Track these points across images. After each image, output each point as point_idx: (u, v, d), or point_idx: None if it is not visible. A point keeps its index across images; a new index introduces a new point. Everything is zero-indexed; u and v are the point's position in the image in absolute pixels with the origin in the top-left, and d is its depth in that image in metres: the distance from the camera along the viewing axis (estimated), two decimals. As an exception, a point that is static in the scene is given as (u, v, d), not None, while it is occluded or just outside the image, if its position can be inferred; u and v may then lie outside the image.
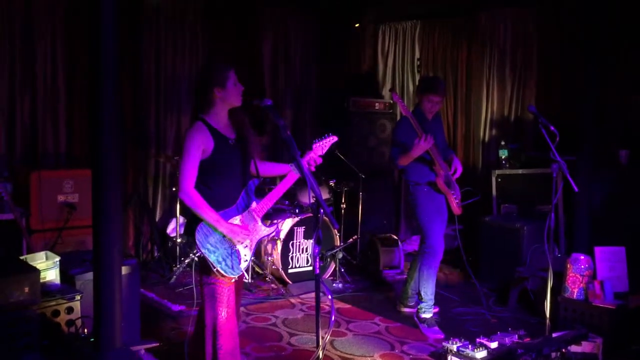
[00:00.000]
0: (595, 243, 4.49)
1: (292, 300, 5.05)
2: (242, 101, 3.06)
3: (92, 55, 2.72)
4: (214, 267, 2.90)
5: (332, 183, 5.87)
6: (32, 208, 4.88)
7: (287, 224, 5.30)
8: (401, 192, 7.18)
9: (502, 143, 6.26)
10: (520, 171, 6.03)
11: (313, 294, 2.61)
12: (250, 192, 3.07)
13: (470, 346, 3.50)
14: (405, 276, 5.01)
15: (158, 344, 3.65)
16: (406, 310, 4.81)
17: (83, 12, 5.49)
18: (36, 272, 3.11)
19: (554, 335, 3.66)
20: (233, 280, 2.98)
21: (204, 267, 2.97)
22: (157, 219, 6.18)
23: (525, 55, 6.42)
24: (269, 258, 5.30)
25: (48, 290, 3.24)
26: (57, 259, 3.39)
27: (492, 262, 5.51)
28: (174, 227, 5.73)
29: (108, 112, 2.69)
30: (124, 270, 3.52)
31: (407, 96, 7.44)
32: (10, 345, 2.90)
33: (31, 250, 4.17)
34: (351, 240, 5.86)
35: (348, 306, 4.97)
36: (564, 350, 3.52)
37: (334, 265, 5.55)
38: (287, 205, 5.69)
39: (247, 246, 3.02)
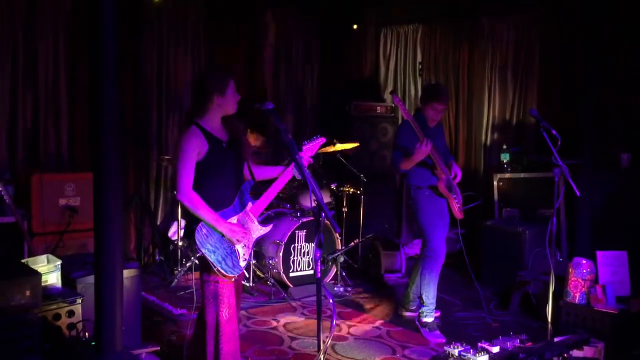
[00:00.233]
0: (597, 247, 4.48)
1: (294, 304, 5.05)
2: (236, 109, 3.12)
3: (93, 56, 2.72)
4: (215, 267, 2.95)
5: (333, 186, 5.87)
6: (33, 211, 4.88)
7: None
8: (402, 196, 7.18)
9: (504, 147, 6.26)
10: (522, 175, 6.03)
11: (314, 298, 2.61)
12: (245, 193, 3.14)
13: (471, 350, 3.48)
14: (406, 280, 5.01)
15: (159, 348, 3.64)
16: (408, 314, 4.80)
17: (84, 13, 5.50)
18: (37, 275, 3.10)
19: (555, 339, 3.64)
20: (233, 279, 3.02)
21: (205, 267, 3.02)
22: (158, 222, 6.18)
23: (527, 59, 6.42)
24: (271, 261, 5.30)
25: (49, 293, 3.23)
26: (59, 262, 3.39)
27: (493, 266, 5.50)
28: (175, 230, 5.73)
29: (109, 114, 2.69)
30: (126, 273, 3.52)
31: (408, 100, 7.44)
32: (12, 349, 2.90)
33: (32, 253, 4.16)
34: (352, 244, 5.85)
35: (349, 310, 4.96)
36: (565, 354, 3.50)
37: (336, 269, 5.54)
38: (288, 208, 5.70)
39: (245, 245, 3.08)
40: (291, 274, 5.33)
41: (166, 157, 6.00)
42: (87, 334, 3.18)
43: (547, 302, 3.81)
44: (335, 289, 5.46)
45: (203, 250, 2.93)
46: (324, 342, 2.80)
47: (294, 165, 3.13)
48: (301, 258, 5.41)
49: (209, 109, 3.03)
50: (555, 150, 3.75)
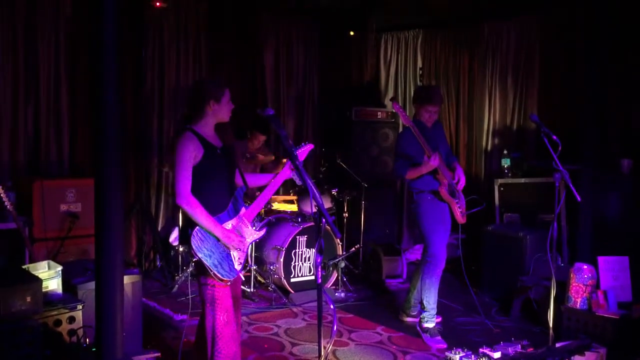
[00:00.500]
0: (598, 252, 4.48)
1: (295, 310, 5.04)
2: (230, 118, 3.19)
3: (94, 64, 2.73)
4: (211, 271, 2.99)
5: (334, 192, 5.87)
6: (34, 217, 4.88)
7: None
8: (404, 201, 7.18)
9: (505, 152, 6.26)
10: (522, 180, 6.03)
11: (315, 303, 2.61)
12: (238, 198, 3.19)
13: (473, 356, 3.48)
14: (407, 285, 5.00)
15: (160, 354, 3.63)
16: (409, 319, 4.79)
17: (86, 21, 5.51)
18: (38, 281, 3.11)
19: (557, 345, 3.64)
20: (229, 283, 3.06)
21: (201, 271, 3.06)
22: (159, 228, 6.18)
23: (527, 64, 6.44)
24: (272, 267, 5.30)
25: (50, 299, 3.24)
26: (59, 268, 3.39)
27: (494, 271, 5.49)
28: (176, 236, 5.74)
29: (110, 121, 2.69)
30: (127, 279, 3.53)
31: (409, 105, 7.46)
32: (13, 355, 2.90)
33: (33, 259, 4.17)
34: (353, 249, 5.85)
35: (350, 315, 4.96)
36: (567, 360, 3.50)
37: (337, 275, 5.54)
38: (289, 214, 5.70)
39: (240, 249, 3.12)
40: (292, 280, 5.33)
41: (166, 163, 6.02)
42: (87, 340, 3.18)
43: (548, 307, 3.80)
44: (337, 294, 5.46)
45: (199, 255, 2.97)
46: (324, 348, 2.80)
47: (294, 170, 3.17)
48: (302, 264, 5.40)
49: (204, 115, 3.09)
50: (556, 155, 3.75)
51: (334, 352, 4.15)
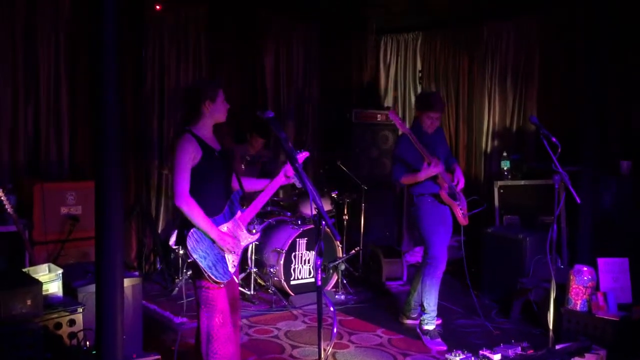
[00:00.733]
0: (598, 254, 4.48)
1: (295, 312, 5.04)
2: (226, 118, 3.20)
3: (94, 63, 2.74)
4: (206, 272, 3.01)
5: (334, 194, 5.88)
6: (35, 220, 4.88)
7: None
8: (403, 204, 7.18)
9: (504, 154, 6.26)
10: (522, 182, 6.03)
11: (315, 306, 2.61)
12: (235, 201, 3.21)
13: (473, 358, 3.49)
14: (408, 288, 5.00)
15: (160, 356, 3.63)
16: (409, 322, 4.80)
17: (86, 21, 5.52)
18: (39, 284, 3.11)
19: (557, 347, 3.64)
20: (222, 285, 3.07)
21: (196, 273, 3.09)
22: (159, 231, 6.18)
23: (527, 65, 6.44)
24: (272, 269, 5.30)
25: (50, 302, 3.24)
26: (60, 271, 3.40)
27: (494, 273, 5.49)
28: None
29: (110, 122, 2.69)
30: (127, 282, 3.53)
31: (409, 107, 7.47)
32: (14, 358, 2.90)
33: (34, 262, 4.17)
34: (353, 251, 5.86)
35: (350, 318, 4.96)
36: (567, 362, 3.51)
37: (337, 277, 5.54)
38: (289, 216, 5.70)
39: (234, 252, 3.14)
40: (292, 282, 5.33)
41: (167, 166, 6.02)
42: (88, 343, 3.18)
43: (548, 309, 3.80)
44: (337, 296, 5.46)
45: (195, 256, 3.00)
46: (324, 350, 2.81)
47: (294, 173, 3.19)
48: (302, 266, 5.41)
49: (201, 116, 3.10)
50: (555, 157, 3.76)
51: (334, 354, 4.15)
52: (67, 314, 3.22)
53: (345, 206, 6.04)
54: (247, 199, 3.37)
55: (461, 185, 4.53)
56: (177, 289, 5.41)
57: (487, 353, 3.55)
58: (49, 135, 5.46)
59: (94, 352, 2.97)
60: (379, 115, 7.02)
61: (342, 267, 5.50)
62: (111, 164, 2.70)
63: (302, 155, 3.33)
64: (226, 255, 3.10)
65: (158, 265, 6.00)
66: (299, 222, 5.49)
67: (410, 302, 4.75)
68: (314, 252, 5.36)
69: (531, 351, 3.57)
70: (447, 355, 3.67)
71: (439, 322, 4.67)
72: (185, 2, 6.24)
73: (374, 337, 4.55)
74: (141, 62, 5.96)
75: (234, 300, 3.25)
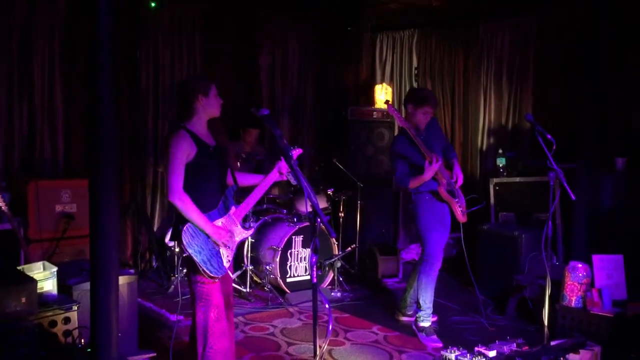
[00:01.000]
0: (593, 251, 4.50)
1: (291, 310, 5.04)
2: (220, 113, 3.21)
3: (89, 62, 2.72)
4: (200, 267, 3.02)
5: (330, 192, 5.88)
6: (29, 218, 4.87)
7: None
8: (399, 201, 7.19)
9: (500, 151, 6.28)
10: (517, 179, 6.04)
11: (311, 303, 2.61)
12: (229, 197, 3.22)
13: (468, 355, 3.49)
14: (403, 285, 5.00)
15: (155, 354, 3.63)
16: (405, 319, 4.80)
17: (81, 20, 5.50)
18: (33, 282, 3.10)
19: (552, 343, 3.65)
20: (217, 280, 3.09)
21: (191, 268, 3.10)
22: (155, 229, 6.17)
23: (522, 64, 6.45)
24: (268, 267, 5.30)
25: (45, 300, 3.23)
26: (55, 269, 3.38)
27: (490, 270, 5.50)
28: (172, 237, 5.73)
29: (105, 121, 2.69)
30: (122, 280, 3.53)
31: (404, 101, 7.45)
32: (8, 356, 2.89)
33: (29, 260, 4.15)
34: (349, 249, 5.86)
35: (346, 315, 4.96)
36: (562, 358, 3.51)
37: (333, 274, 5.54)
38: (285, 214, 5.70)
39: (229, 247, 3.15)
40: (288, 280, 5.33)
41: (162, 164, 6.01)
42: (83, 341, 3.17)
43: (543, 306, 3.81)
44: (333, 294, 5.46)
45: (190, 251, 3.00)
46: (320, 347, 2.81)
47: (289, 170, 3.21)
48: (298, 263, 5.41)
49: (194, 111, 3.11)
50: (550, 154, 3.76)
51: (329, 351, 4.16)
52: (62, 311, 3.21)
53: (341, 203, 6.04)
54: (242, 194, 3.39)
55: (460, 182, 4.53)
56: (172, 286, 5.41)
57: (482, 350, 3.56)
58: (43, 134, 5.45)
59: (89, 349, 2.96)
60: (374, 113, 7.01)
61: (338, 264, 5.50)
62: (106, 163, 2.70)
63: (297, 152, 3.35)
64: (221, 250, 3.11)
65: (154, 263, 5.99)
66: (295, 219, 5.49)
67: (407, 299, 4.76)
68: (309, 250, 5.35)
69: (526, 347, 3.57)
70: (442, 352, 3.67)
71: (435, 319, 4.68)
72: (180, 1, 6.22)
73: (369, 334, 4.55)
74: (136, 61, 5.94)
75: (227, 296, 3.27)
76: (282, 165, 3.29)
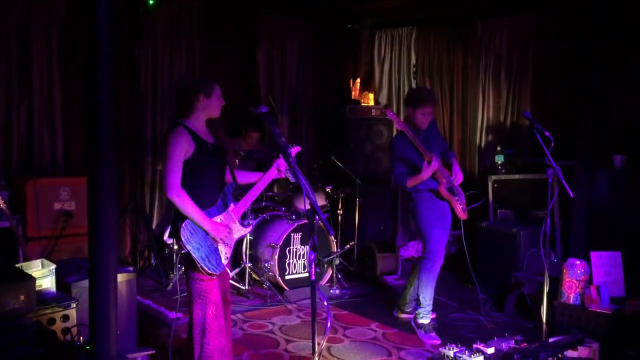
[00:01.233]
0: (591, 248, 4.50)
1: (289, 307, 5.05)
2: (220, 114, 3.23)
3: (88, 62, 2.72)
4: (199, 264, 3.02)
5: (328, 189, 5.88)
6: (28, 216, 4.87)
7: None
8: (398, 198, 7.19)
9: (498, 149, 6.28)
10: (516, 176, 6.05)
11: (310, 301, 2.62)
12: (228, 194, 3.23)
13: (467, 352, 3.49)
14: (402, 282, 5.01)
15: (154, 352, 3.64)
16: (403, 316, 4.81)
17: (80, 19, 5.50)
18: (32, 280, 3.10)
19: (550, 340, 3.66)
20: (215, 277, 3.09)
21: (190, 264, 3.10)
22: (153, 226, 6.18)
23: (520, 61, 6.44)
24: (266, 264, 5.30)
25: (44, 298, 3.23)
26: (53, 266, 3.38)
27: (488, 267, 5.51)
28: (171, 234, 5.73)
29: (104, 121, 2.69)
30: (121, 277, 3.53)
31: (403, 102, 7.45)
32: (7, 354, 2.89)
33: (27, 258, 4.16)
34: (348, 246, 5.86)
35: (345, 312, 4.97)
36: (560, 355, 3.51)
37: (331, 272, 5.55)
38: (283, 211, 5.70)
39: (227, 244, 3.16)
40: (287, 277, 5.34)
41: (160, 162, 6.01)
42: (81, 339, 3.17)
43: (541, 302, 3.83)
44: (331, 291, 5.47)
45: (188, 247, 3.00)
46: (319, 344, 2.81)
47: (287, 168, 3.21)
48: (297, 261, 5.41)
49: (194, 109, 3.12)
50: (549, 151, 3.77)
51: (328, 348, 4.16)
52: (61, 309, 3.22)
53: (340, 201, 6.04)
54: (241, 192, 3.39)
55: (459, 179, 4.53)
56: (171, 284, 5.41)
57: (481, 346, 3.56)
58: (42, 134, 5.45)
59: (88, 347, 2.96)
60: (373, 111, 7.01)
61: (337, 261, 5.51)
62: (105, 163, 2.70)
63: (295, 150, 3.35)
64: (219, 247, 3.11)
65: (152, 261, 5.99)
66: (294, 216, 5.49)
67: (406, 296, 4.77)
68: (308, 247, 5.36)
69: (525, 344, 3.58)
70: (441, 349, 3.67)
71: (434, 316, 4.68)
72: (179, 0, 6.20)
73: (368, 331, 4.56)
74: (135, 61, 5.93)
75: (225, 293, 3.27)
76: (281, 162, 3.30)
